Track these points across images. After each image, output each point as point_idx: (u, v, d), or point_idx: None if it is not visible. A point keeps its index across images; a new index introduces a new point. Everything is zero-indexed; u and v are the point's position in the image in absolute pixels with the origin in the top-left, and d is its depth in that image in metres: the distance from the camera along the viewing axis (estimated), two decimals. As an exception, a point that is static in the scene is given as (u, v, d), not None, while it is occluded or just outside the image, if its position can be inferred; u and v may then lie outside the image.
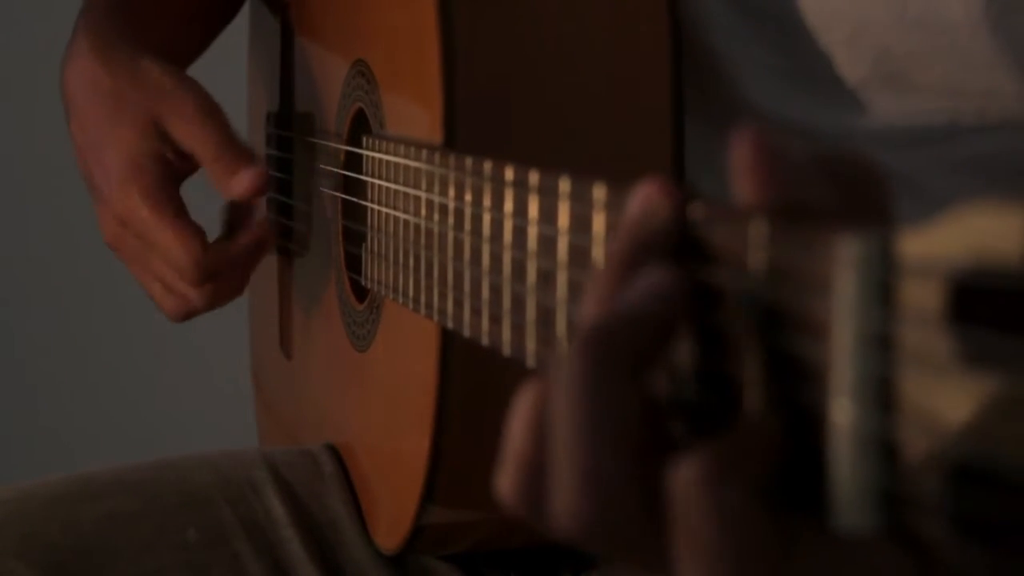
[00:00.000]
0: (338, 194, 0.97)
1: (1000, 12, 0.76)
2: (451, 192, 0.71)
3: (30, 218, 2.15)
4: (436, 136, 0.79)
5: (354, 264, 0.94)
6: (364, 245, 0.89)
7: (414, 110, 0.83)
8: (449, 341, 0.80)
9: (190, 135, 0.96)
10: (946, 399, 0.38)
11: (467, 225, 0.68)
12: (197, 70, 1.07)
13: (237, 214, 1.00)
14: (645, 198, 0.47)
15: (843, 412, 0.40)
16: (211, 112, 0.97)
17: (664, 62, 0.80)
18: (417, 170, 0.77)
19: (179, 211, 0.97)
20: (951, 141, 0.81)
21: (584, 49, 0.80)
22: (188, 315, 1.00)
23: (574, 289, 0.56)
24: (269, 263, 1.15)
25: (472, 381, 0.80)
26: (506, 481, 0.48)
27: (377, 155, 0.85)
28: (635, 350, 0.45)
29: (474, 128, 0.78)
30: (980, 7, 0.76)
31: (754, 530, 0.42)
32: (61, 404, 2.20)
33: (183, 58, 1.10)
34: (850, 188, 0.44)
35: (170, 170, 0.98)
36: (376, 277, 0.87)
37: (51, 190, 1.85)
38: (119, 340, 2.17)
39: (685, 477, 0.42)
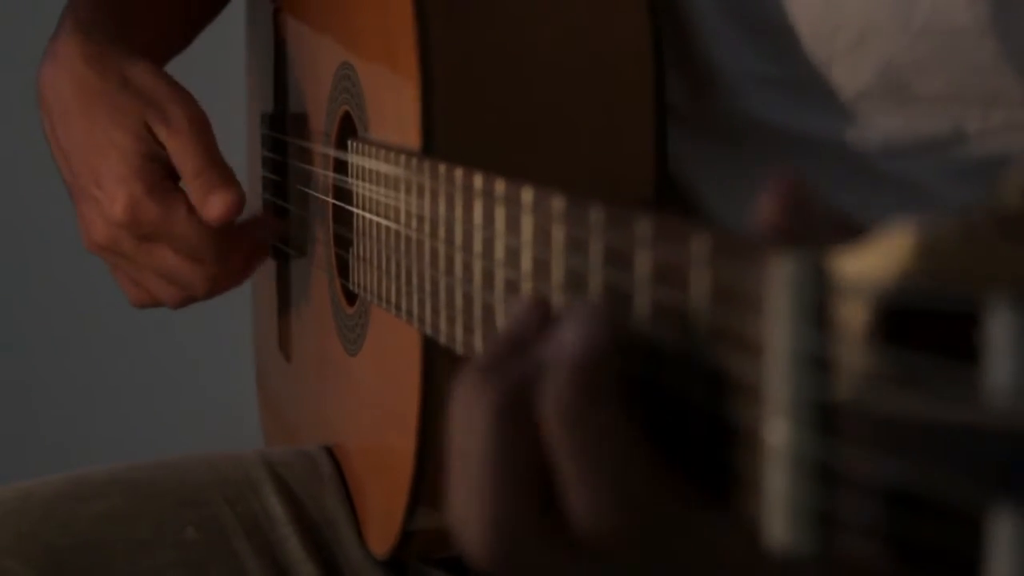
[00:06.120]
0: (327, 198, 0.97)
1: (1007, 17, 0.75)
2: (427, 199, 0.71)
3: (28, 218, 2.15)
4: (414, 140, 0.78)
5: (345, 268, 0.94)
6: (351, 250, 0.89)
7: (394, 113, 0.83)
8: (432, 345, 0.79)
9: (176, 147, 0.96)
10: (879, 420, 0.37)
11: (441, 233, 0.68)
12: (193, 68, 1.07)
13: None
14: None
15: (778, 433, 0.40)
16: (200, 127, 0.97)
17: (645, 57, 0.80)
18: (396, 176, 0.77)
19: (187, 201, 0.97)
20: (955, 147, 0.80)
21: (562, 50, 0.80)
22: (188, 301, 1.01)
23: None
24: (269, 265, 1.15)
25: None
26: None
27: (360, 160, 0.85)
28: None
29: (453, 131, 0.78)
30: (987, 12, 0.76)
31: (631, 446, 0.45)
32: (60, 405, 2.20)
33: (167, 55, 1.10)
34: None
35: (167, 170, 0.98)
36: (361, 282, 0.87)
37: (50, 191, 1.85)
38: (118, 341, 2.17)
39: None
